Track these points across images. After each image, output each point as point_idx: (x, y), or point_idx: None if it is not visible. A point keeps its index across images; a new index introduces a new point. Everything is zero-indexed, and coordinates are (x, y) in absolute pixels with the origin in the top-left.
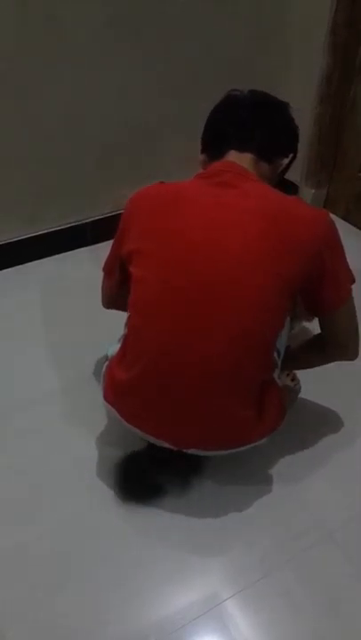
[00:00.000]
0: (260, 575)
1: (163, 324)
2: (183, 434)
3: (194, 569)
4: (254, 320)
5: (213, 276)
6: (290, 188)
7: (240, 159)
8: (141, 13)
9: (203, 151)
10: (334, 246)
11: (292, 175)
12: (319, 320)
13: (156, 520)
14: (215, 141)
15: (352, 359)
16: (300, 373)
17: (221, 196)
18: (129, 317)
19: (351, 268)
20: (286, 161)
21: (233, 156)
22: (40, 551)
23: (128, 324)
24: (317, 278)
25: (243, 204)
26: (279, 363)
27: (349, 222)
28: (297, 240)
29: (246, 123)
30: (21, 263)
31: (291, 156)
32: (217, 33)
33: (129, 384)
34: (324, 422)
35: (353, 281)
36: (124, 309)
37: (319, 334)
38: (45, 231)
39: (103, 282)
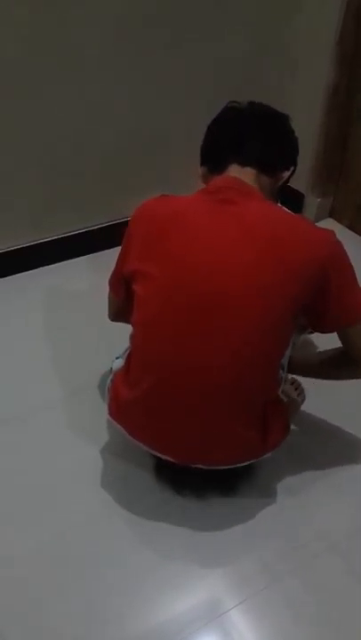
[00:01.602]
0: (263, 584)
1: (164, 333)
2: (185, 449)
3: (197, 577)
4: (256, 335)
5: (216, 294)
6: (295, 198)
7: (242, 174)
8: (143, 26)
9: (202, 164)
10: (342, 266)
11: (298, 184)
12: (338, 336)
13: (158, 528)
14: (215, 154)
15: None
16: (304, 383)
17: (224, 214)
18: (133, 335)
19: (359, 276)
20: (288, 174)
21: (235, 171)
22: (42, 554)
23: (132, 342)
24: (321, 297)
25: (246, 224)
26: (284, 377)
27: (355, 232)
28: (300, 259)
29: (247, 136)
30: (24, 270)
31: (292, 168)
32: (221, 44)
33: (133, 400)
34: (328, 433)
35: None
36: (130, 322)
37: (342, 350)
38: (49, 239)
39: (109, 296)
